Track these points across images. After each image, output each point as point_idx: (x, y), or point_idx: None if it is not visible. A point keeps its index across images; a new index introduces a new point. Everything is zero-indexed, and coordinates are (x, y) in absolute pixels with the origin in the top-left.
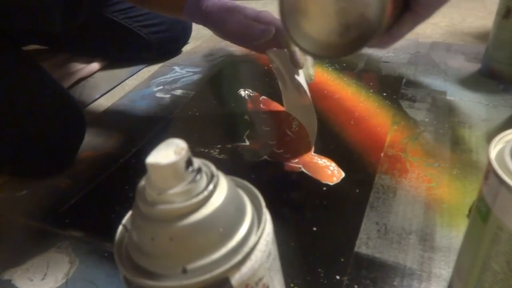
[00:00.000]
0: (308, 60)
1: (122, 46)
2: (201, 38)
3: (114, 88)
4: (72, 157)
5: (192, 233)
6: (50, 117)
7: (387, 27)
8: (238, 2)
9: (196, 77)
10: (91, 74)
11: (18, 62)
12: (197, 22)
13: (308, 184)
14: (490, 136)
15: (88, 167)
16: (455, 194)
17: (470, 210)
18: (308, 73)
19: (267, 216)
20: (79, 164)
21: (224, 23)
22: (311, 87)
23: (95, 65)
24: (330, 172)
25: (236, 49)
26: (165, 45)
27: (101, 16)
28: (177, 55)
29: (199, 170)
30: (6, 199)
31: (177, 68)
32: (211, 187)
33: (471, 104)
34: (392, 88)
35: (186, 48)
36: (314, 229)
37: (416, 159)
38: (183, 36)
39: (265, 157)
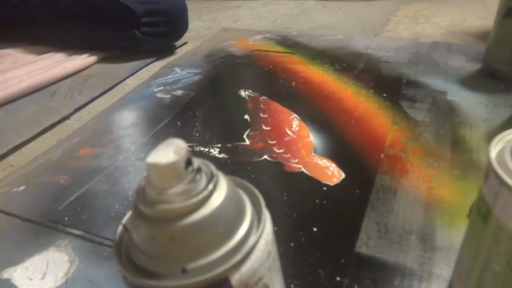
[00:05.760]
0: None
1: (108, 22)
2: (201, 38)
3: (114, 87)
4: None
5: (191, 232)
6: None
7: None
8: (235, 2)
9: (196, 78)
10: (88, 66)
11: None
12: None
13: (308, 184)
14: (490, 136)
15: (87, 164)
16: (456, 194)
17: (470, 210)
18: None
19: (266, 215)
20: (78, 160)
21: None
22: (311, 87)
23: (86, 61)
24: (330, 172)
25: (236, 49)
26: (154, 21)
27: None
28: (171, 44)
29: (198, 170)
30: (3, 194)
31: (177, 69)
32: (210, 186)
33: (472, 104)
34: (392, 88)
35: (186, 49)
36: (314, 229)
37: (417, 159)
38: (175, 15)
39: (265, 157)
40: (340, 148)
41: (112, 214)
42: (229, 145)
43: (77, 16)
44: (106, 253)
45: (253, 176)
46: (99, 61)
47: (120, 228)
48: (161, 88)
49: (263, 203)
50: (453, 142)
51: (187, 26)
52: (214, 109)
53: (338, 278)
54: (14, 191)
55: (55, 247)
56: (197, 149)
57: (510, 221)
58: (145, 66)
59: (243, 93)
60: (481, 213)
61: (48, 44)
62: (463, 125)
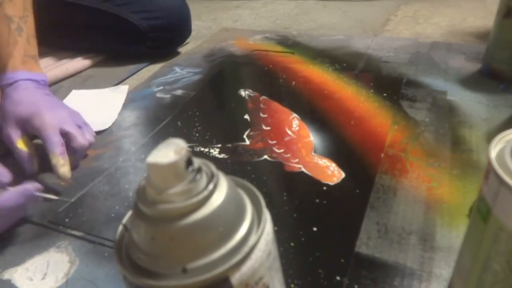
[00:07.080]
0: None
1: (112, 36)
2: (202, 38)
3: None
4: None
5: (192, 232)
6: None
7: None
8: (235, 2)
9: (196, 77)
10: (89, 67)
11: None
12: None
13: (308, 184)
14: (490, 136)
15: (87, 165)
16: (456, 194)
17: (470, 210)
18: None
19: (267, 215)
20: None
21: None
22: (311, 87)
23: (86, 62)
24: (330, 172)
25: (236, 49)
26: (159, 35)
27: (84, 6)
28: (175, 50)
29: (199, 170)
30: None
31: (177, 69)
32: (211, 186)
33: (472, 104)
34: (393, 88)
35: (186, 48)
36: (314, 229)
37: (417, 159)
38: (179, 27)
39: (265, 157)
40: (340, 148)
41: (113, 215)
42: (229, 145)
43: (84, 29)
44: (106, 254)
45: (253, 176)
46: (100, 62)
47: (120, 228)
48: (161, 87)
49: (263, 203)
50: (453, 142)
51: (190, 32)
52: (214, 109)
53: (338, 278)
54: None
55: (56, 248)
56: (197, 149)
57: (510, 221)
58: (145, 66)
59: (243, 92)
60: (481, 213)
61: (52, 48)
62: (463, 125)
